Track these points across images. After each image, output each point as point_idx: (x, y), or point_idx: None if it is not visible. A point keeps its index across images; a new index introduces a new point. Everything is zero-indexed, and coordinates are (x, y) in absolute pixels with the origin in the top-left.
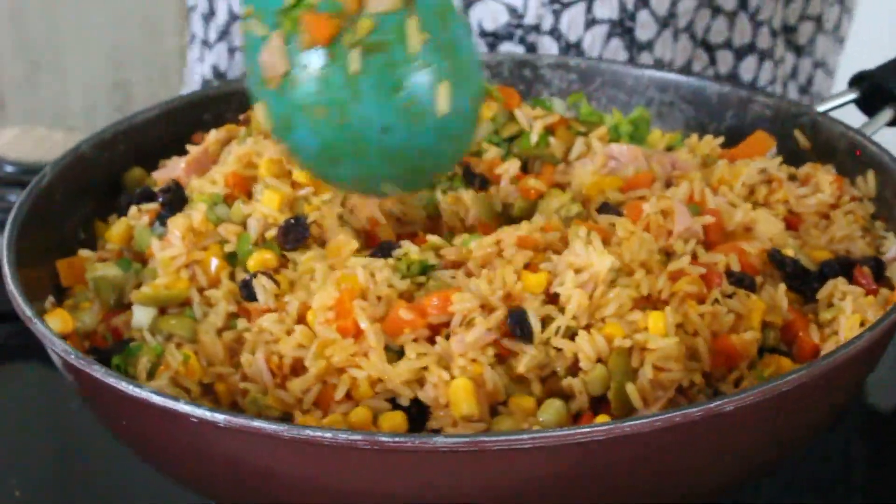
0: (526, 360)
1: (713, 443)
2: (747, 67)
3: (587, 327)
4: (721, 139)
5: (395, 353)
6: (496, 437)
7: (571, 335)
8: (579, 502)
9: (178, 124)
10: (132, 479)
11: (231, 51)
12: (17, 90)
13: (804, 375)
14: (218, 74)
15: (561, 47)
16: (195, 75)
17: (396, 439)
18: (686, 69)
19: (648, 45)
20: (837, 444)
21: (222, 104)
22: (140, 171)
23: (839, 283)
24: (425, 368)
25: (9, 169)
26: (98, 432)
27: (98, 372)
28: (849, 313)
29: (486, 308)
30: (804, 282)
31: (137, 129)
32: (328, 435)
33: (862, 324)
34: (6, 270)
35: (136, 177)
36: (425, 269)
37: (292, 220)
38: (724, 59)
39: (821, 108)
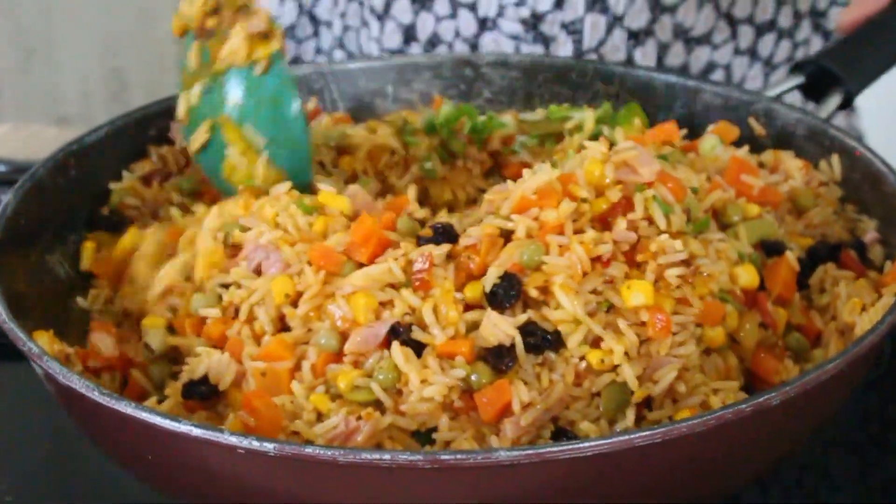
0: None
1: (759, 435)
2: (765, 44)
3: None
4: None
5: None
6: (559, 447)
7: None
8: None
9: (125, 142)
10: (125, 484)
11: None
12: (12, 78)
13: (841, 363)
14: None
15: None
16: None
17: (457, 456)
18: (705, 38)
19: (672, 8)
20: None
21: (165, 119)
22: (130, 180)
23: (829, 269)
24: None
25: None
26: None
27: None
28: (844, 298)
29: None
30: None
31: (88, 148)
32: (386, 457)
33: (863, 308)
34: None
35: (126, 187)
36: None
37: None
38: (745, 34)
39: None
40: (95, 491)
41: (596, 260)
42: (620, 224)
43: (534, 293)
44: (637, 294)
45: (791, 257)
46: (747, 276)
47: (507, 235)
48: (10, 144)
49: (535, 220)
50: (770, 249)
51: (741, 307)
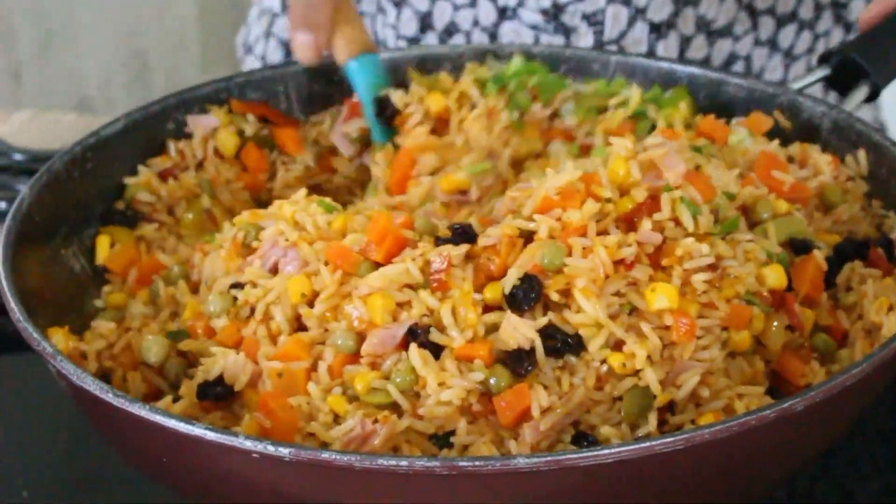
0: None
1: (783, 441)
2: (786, 35)
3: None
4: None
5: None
6: (579, 454)
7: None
8: None
9: (143, 134)
10: (142, 478)
11: None
12: (32, 61)
13: (867, 367)
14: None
15: None
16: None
17: (476, 463)
18: (727, 30)
19: (695, 1)
20: None
21: (183, 112)
22: (146, 175)
23: (856, 267)
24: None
25: (17, 157)
26: None
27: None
28: (871, 297)
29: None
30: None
31: (104, 142)
32: (403, 463)
33: (891, 307)
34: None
35: (142, 182)
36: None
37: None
38: (766, 25)
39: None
40: (113, 486)
41: (619, 262)
42: (646, 225)
43: (555, 296)
44: (661, 297)
45: (819, 256)
46: (775, 277)
47: (527, 236)
48: (29, 132)
49: (557, 220)
50: (798, 248)
51: (767, 309)
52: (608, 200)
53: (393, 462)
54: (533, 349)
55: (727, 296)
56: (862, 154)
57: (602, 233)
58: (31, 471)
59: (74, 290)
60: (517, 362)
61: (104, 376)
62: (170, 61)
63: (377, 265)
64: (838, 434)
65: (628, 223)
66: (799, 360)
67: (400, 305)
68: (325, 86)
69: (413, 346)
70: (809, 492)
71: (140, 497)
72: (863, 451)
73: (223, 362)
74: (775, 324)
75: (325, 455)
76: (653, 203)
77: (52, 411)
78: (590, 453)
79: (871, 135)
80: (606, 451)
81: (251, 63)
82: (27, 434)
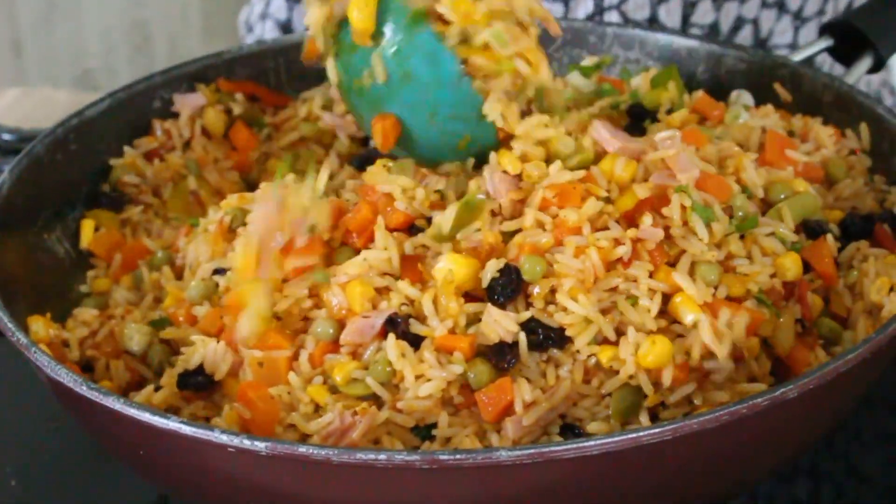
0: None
1: (777, 428)
2: None
3: None
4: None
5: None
6: (564, 446)
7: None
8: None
9: (128, 114)
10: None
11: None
12: (34, 32)
13: (864, 352)
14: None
15: None
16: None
17: (457, 456)
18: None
19: None
20: None
21: (170, 90)
22: (132, 156)
23: (861, 245)
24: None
25: (6, 137)
26: None
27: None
28: (872, 276)
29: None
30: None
31: (88, 123)
32: (382, 457)
33: (892, 288)
34: None
35: (127, 163)
36: None
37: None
38: None
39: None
40: (101, 474)
41: (617, 261)
42: (646, 221)
43: (539, 295)
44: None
45: (831, 241)
46: (794, 270)
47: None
48: (19, 111)
49: (554, 217)
50: (811, 231)
51: (776, 311)
52: (607, 200)
53: (371, 456)
54: (516, 343)
55: (736, 293)
56: (864, 127)
57: (601, 229)
58: (19, 459)
59: (58, 276)
60: (499, 356)
61: (87, 365)
62: (172, 31)
63: (357, 251)
64: (842, 416)
65: (629, 220)
66: (804, 347)
67: (379, 292)
68: (317, 61)
69: (391, 338)
70: (813, 462)
71: (129, 484)
72: (867, 423)
73: (203, 352)
74: (784, 330)
75: (303, 449)
76: (659, 200)
77: (40, 399)
78: (574, 445)
79: (874, 107)
80: (592, 443)
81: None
82: (15, 422)
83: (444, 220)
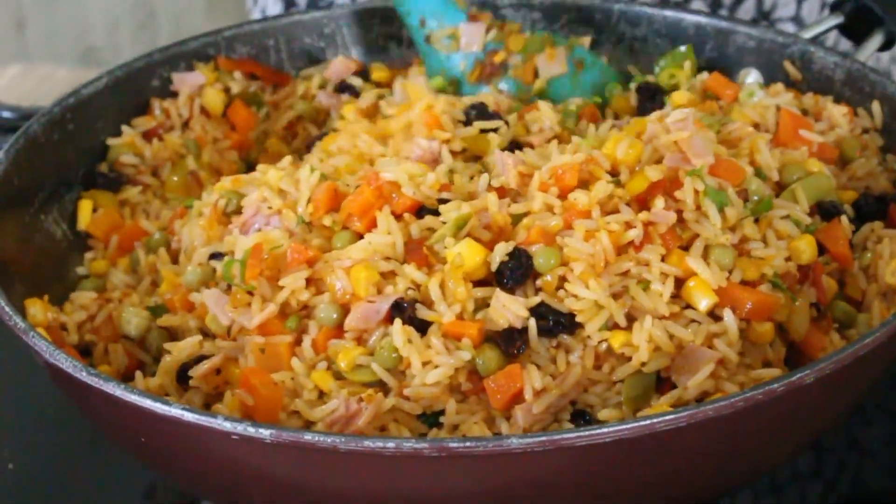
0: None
1: (793, 415)
2: None
3: None
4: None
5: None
6: (575, 433)
7: None
8: (649, 491)
9: (126, 93)
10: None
11: None
12: (37, 8)
13: (881, 336)
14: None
15: None
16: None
17: (466, 444)
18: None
19: None
20: None
21: (168, 69)
22: (130, 135)
23: (875, 226)
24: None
25: (6, 115)
26: None
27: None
28: (887, 258)
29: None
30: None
31: (85, 102)
32: (391, 445)
33: None
34: None
35: (125, 143)
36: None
37: None
38: None
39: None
40: (99, 458)
41: (628, 244)
42: (658, 204)
43: (549, 279)
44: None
45: (845, 222)
46: (809, 252)
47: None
48: (20, 88)
49: (563, 200)
50: (825, 212)
51: (792, 295)
52: (617, 184)
53: (380, 444)
54: (525, 328)
55: (750, 277)
56: (876, 106)
57: (611, 212)
58: (16, 443)
59: (56, 258)
60: (508, 342)
61: (86, 349)
62: (177, 7)
63: (360, 236)
64: (857, 400)
65: (641, 203)
66: (819, 331)
67: (385, 276)
68: (317, 39)
69: (397, 323)
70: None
71: (126, 469)
72: (870, 398)
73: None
74: (799, 315)
75: (309, 437)
76: (671, 183)
77: (38, 384)
78: (586, 432)
79: (887, 85)
80: (605, 430)
81: (257, 16)
82: (12, 407)
83: (447, 228)
